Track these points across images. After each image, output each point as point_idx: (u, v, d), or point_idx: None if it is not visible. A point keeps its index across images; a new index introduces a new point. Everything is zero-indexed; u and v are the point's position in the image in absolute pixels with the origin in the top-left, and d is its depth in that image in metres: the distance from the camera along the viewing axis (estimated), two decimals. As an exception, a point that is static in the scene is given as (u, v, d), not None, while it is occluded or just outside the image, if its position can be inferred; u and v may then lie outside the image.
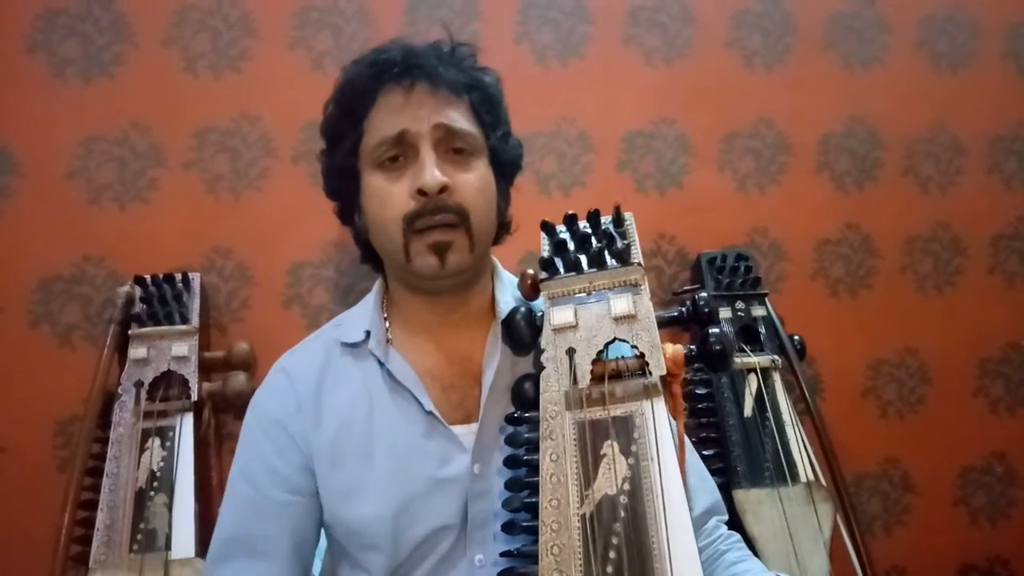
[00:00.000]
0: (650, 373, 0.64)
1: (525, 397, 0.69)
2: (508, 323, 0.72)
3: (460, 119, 0.82)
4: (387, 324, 0.89)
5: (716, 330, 0.66)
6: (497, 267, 0.94)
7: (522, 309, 0.71)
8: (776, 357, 1.32)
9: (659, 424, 0.62)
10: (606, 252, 0.70)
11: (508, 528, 0.68)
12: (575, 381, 0.64)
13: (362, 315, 0.90)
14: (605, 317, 0.67)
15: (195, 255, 1.35)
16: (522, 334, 0.70)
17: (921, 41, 1.61)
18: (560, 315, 0.68)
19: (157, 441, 1.14)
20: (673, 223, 1.49)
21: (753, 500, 1.21)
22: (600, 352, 0.65)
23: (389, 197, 0.81)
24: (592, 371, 0.64)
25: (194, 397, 1.17)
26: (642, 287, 0.69)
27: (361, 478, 0.80)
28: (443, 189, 0.79)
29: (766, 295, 1.39)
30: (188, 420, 1.17)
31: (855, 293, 1.55)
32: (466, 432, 0.81)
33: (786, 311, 1.42)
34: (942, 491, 1.54)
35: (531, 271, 0.73)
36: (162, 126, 1.37)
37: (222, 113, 1.38)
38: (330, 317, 1.00)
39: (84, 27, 1.36)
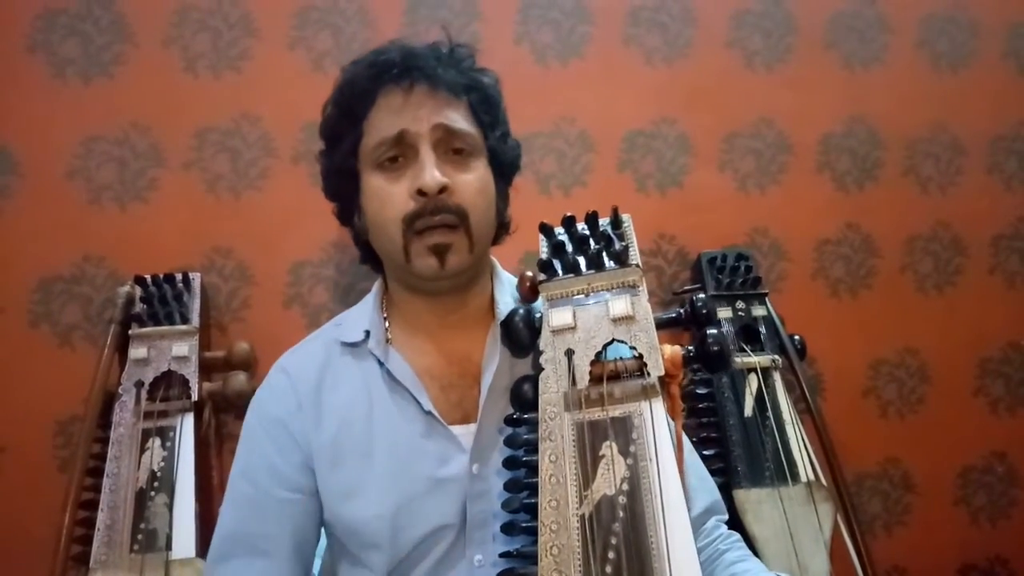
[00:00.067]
0: (648, 374, 0.64)
1: (524, 398, 0.69)
2: (507, 326, 0.72)
3: (459, 119, 0.83)
4: (387, 324, 0.90)
5: (714, 331, 0.66)
6: (496, 267, 0.94)
7: (521, 311, 0.71)
8: (776, 357, 1.32)
9: (657, 425, 0.62)
10: (604, 254, 0.70)
11: (507, 529, 0.68)
12: (574, 382, 0.64)
13: (362, 315, 0.90)
14: (603, 318, 0.67)
15: (195, 255, 1.35)
16: (521, 336, 0.70)
17: (921, 41, 1.61)
18: (559, 317, 0.68)
19: (157, 441, 1.14)
20: (673, 223, 1.49)
21: (753, 500, 1.21)
22: (599, 353, 0.65)
23: (389, 198, 0.81)
24: (591, 372, 0.64)
25: (194, 397, 1.17)
26: (640, 288, 0.69)
27: (361, 477, 0.81)
28: (443, 189, 0.79)
29: (766, 295, 1.39)
30: (188, 420, 1.17)
31: (855, 293, 1.55)
32: (465, 432, 0.82)
33: (786, 311, 1.42)
34: (942, 491, 1.54)
35: (530, 273, 0.73)
36: (162, 126, 1.37)
37: (222, 113, 1.38)
38: (330, 317, 1.00)
39: (84, 27, 1.36)
